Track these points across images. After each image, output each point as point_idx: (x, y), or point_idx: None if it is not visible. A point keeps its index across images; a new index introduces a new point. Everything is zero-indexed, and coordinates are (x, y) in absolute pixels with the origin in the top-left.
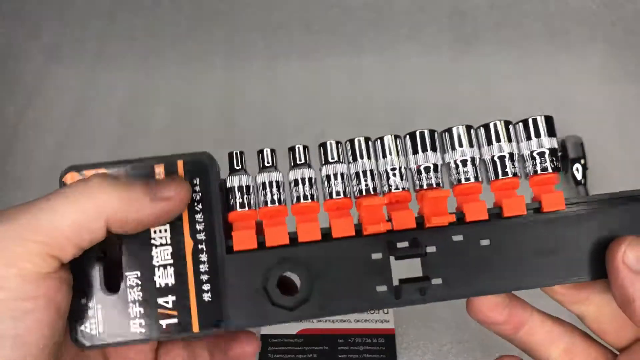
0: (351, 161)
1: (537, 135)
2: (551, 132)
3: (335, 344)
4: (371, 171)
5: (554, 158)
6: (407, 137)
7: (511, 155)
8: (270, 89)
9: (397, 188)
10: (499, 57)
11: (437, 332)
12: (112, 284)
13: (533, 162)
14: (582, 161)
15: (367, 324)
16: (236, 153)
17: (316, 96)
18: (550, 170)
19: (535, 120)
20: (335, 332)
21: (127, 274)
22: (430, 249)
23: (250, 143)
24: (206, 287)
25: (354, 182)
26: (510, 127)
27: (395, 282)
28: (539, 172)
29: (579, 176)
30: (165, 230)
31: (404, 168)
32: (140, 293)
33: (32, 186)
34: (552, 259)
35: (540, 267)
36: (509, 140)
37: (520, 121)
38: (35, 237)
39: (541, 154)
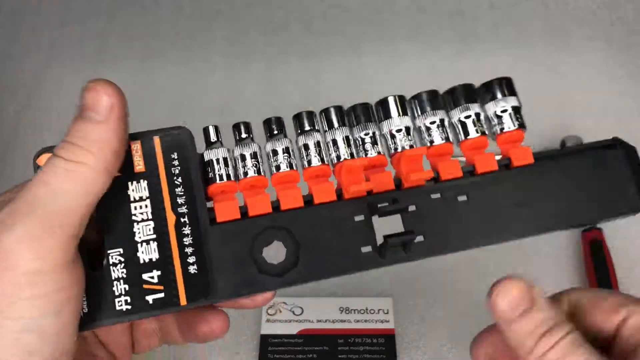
0: (326, 129)
1: (502, 95)
2: (511, 92)
3: (335, 344)
4: (347, 137)
5: (518, 115)
6: (379, 104)
7: (477, 115)
8: (270, 89)
9: (372, 153)
10: (499, 56)
11: (436, 332)
12: (95, 263)
13: (499, 121)
14: None
15: (367, 324)
16: (212, 127)
17: (316, 96)
18: (515, 127)
19: (495, 82)
20: (335, 332)
21: (109, 251)
22: (411, 208)
23: None
24: (191, 259)
25: (331, 150)
26: (475, 90)
27: (380, 241)
28: (505, 129)
29: None
30: (147, 206)
31: (378, 134)
32: (124, 270)
33: None
34: (527, 211)
35: (516, 219)
36: (474, 101)
37: (482, 85)
38: (61, 223)
39: (504, 111)
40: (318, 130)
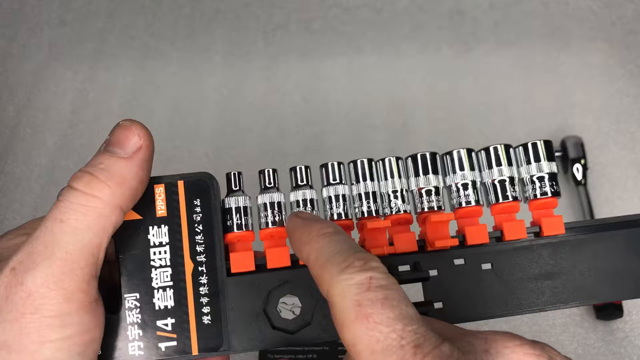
0: (353, 182)
1: (537, 159)
2: (550, 157)
3: (335, 344)
4: (373, 193)
5: (553, 182)
6: (409, 159)
7: (511, 179)
8: (270, 89)
9: (398, 211)
10: (499, 56)
11: None
12: (113, 306)
13: (533, 187)
14: (582, 161)
15: None
16: (234, 174)
17: (316, 96)
18: (549, 194)
19: (535, 145)
20: None
21: (126, 295)
22: (432, 272)
23: (250, 143)
24: (206, 309)
25: (357, 204)
26: (511, 150)
27: None
28: (538, 196)
29: (579, 176)
30: (165, 252)
31: (406, 190)
32: (140, 315)
33: (31, 186)
34: (553, 283)
35: (541, 291)
36: (509, 164)
37: (520, 145)
38: (80, 264)
39: (540, 179)
40: (344, 184)
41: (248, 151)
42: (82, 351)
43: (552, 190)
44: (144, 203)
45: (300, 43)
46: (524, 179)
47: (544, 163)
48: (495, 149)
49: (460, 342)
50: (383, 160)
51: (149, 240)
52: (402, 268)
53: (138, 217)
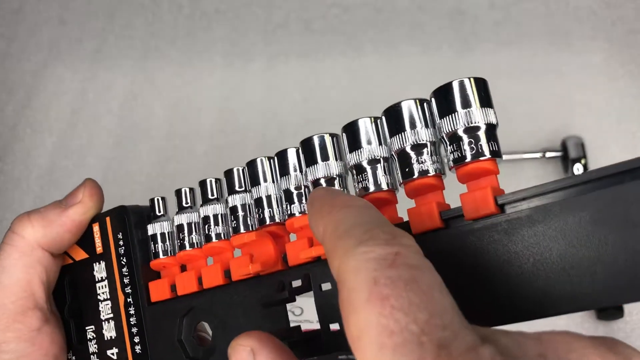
0: (250, 188)
1: (466, 105)
2: (485, 101)
3: None
4: (267, 197)
5: (491, 138)
6: (276, 157)
7: (430, 145)
8: (269, 89)
9: (301, 212)
10: (499, 56)
11: None
12: (82, 338)
13: (456, 146)
14: (583, 161)
15: None
16: (157, 199)
17: (316, 95)
18: (487, 155)
19: (462, 84)
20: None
21: (86, 327)
22: (326, 286)
23: (249, 142)
24: (137, 339)
25: (254, 212)
26: (424, 105)
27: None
28: (468, 158)
29: None
30: (105, 286)
31: (305, 186)
32: (96, 345)
33: (30, 186)
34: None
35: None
36: (426, 125)
37: (434, 92)
38: (11, 299)
39: (472, 131)
40: (245, 190)
41: (248, 151)
42: None
43: (491, 149)
44: (88, 242)
45: (300, 43)
46: (443, 137)
47: (476, 110)
48: (402, 107)
49: (505, 343)
50: (280, 153)
51: (94, 276)
52: (296, 283)
53: (86, 255)
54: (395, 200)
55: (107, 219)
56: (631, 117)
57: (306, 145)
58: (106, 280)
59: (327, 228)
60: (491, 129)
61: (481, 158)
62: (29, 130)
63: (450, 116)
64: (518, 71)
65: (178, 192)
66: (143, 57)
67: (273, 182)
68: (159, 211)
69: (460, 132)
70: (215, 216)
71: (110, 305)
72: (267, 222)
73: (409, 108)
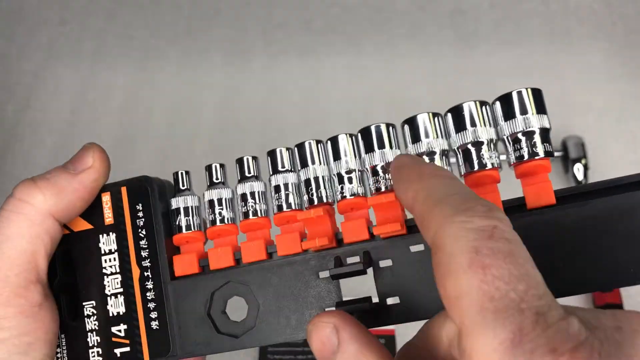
0: (300, 168)
1: (523, 112)
2: (540, 109)
3: None
4: (322, 178)
5: (545, 142)
6: (359, 134)
7: (490, 142)
8: (269, 88)
9: (353, 194)
10: (500, 56)
11: None
12: (76, 313)
13: (518, 146)
14: (583, 161)
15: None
16: (181, 173)
17: (316, 95)
18: (541, 155)
19: (520, 94)
20: None
21: (84, 303)
22: (385, 262)
23: (249, 142)
24: (154, 314)
25: (303, 192)
26: (486, 108)
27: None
28: (526, 157)
29: (580, 176)
30: (115, 259)
31: (359, 170)
32: (97, 322)
33: None
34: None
35: None
36: (485, 124)
37: (498, 99)
38: (13, 271)
39: (527, 134)
40: (292, 170)
41: (248, 151)
42: (22, 351)
43: (545, 150)
44: (94, 212)
45: (300, 43)
46: (506, 138)
47: (532, 116)
48: (465, 107)
49: (584, 316)
50: (333, 138)
51: (100, 248)
52: (351, 260)
53: (90, 226)
54: None
55: (123, 189)
56: (631, 117)
57: (365, 133)
58: (116, 253)
59: (419, 194)
60: (545, 132)
61: (536, 157)
62: (29, 130)
63: (511, 121)
64: (518, 71)
65: (209, 168)
66: (143, 57)
67: (321, 165)
68: (183, 185)
69: (520, 135)
70: (257, 193)
71: (119, 279)
72: (316, 202)
73: (469, 108)
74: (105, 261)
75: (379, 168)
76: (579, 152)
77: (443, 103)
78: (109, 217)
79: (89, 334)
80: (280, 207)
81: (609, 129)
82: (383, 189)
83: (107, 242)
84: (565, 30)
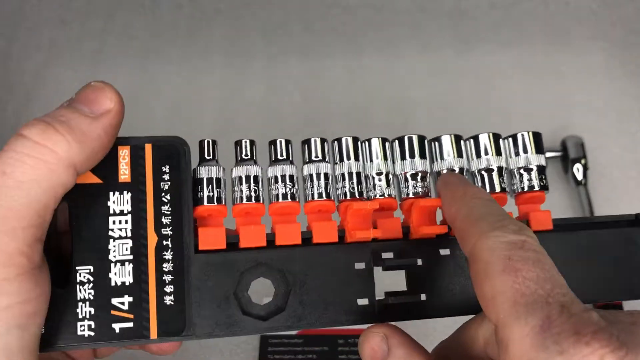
0: (337, 162)
1: (525, 151)
2: (539, 149)
3: (336, 344)
4: (357, 173)
5: (542, 176)
6: (396, 141)
7: (500, 169)
8: (269, 89)
9: (382, 194)
10: (499, 56)
11: (437, 333)
12: (61, 279)
13: (520, 179)
14: (583, 161)
15: (367, 324)
16: (207, 141)
17: (316, 96)
18: (537, 188)
19: (523, 137)
20: (335, 332)
21: (78, 268)
22: (417, 262)
23: None
24: (169, 289)
25: (339, 184)
26: (500, 141)
27: (379, 296)
28: (526, 189)
29: (579, 176)
30: (127, 222)
31: (391, 174)
32: (92, 291)
33: None
34: None
35: None
36: (498, 154)
37: (509, 136)
38: (23, 224)
39: (529, 171)
40: (328, 161)
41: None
42: (21, 324)
43: (541, 184)
44: (106, 166)
45: (300, 43)
46: (512, 171)
47: (532, 155)
48: (484, 138)
49: (603, 313)
50: (369, 140)
51: (108, 207)
52: (385, 255)
53: (98, 180)
54: None
55: (148, 146)
56: (631, 117)
57: (410, 142)
58: (129, 215)
59: (460, 211)
60: (542, 170)
61: (534, 189)
62: None
63: (517, 156)
64: (518, 71)
65: (239, 143)
66: (143, 57)
67: (358, 161)
68: (209, 155)
69: (522, 170)
70: (290, 177)
71: (130, 245)
72: (349, 197)
73: (488, 138)
74: (114, 222)
75: (409, 175)
76: (578, 152)
77: (443, 103)
78: (124, 174)
79: (80, 303)
80: (313, 195)
81: (608, 129)
82: (419, 193)
83: (119, 202)
84: (565, 30)
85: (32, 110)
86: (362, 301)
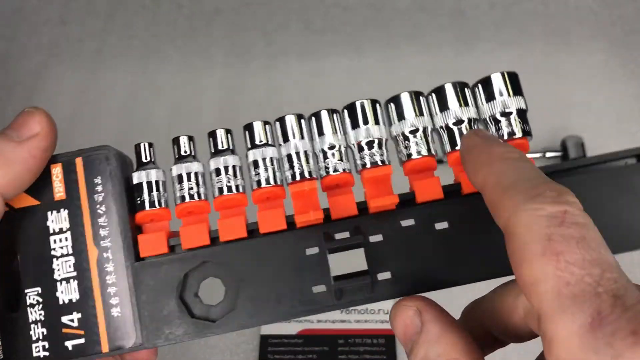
0: (282, 143)
1: (501, 94)
2: (516, 90)
3: (335, 344)
4: (305, 152)
5: (523, 120)
6: (345, 110)
7: (470, 120)
8: (270, 89)
9: (335, 170)
10: (499, 56)
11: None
12: (15, 303)
13: (498, 126)
14: None
15: (368, 324)
16: (144, 145)
17: (316, 96)
18: (519, 134)
19: (498, 77)
20: (335, 332)
21: (26, 291)
22: (376, 237)
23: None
24: (114, 300)
25: (286, 167)
26: (467, 90)
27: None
28: (505, 137)
29: None
30: (66, 239)
31: (344, 147)
32: (42, 312)
33: None
34: None
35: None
36: (466, 104)
37: (479, 81)
38: None
39: (506, 116)
40: (272, 145)
41: None
42: None
43: (523, 128)
44: (41, 186)
45: (300, 43)
46: (487, 119)
47: (509, 98)
48: (448, 87)
49: None
50: (316, 114)
51: (47, 227)
52: (339, 236)
53: (35, 202)
54: (435, 167)
55: (78, 160)
56: (631, 117)
57: (351, 109)
58: (68, 232)
59: (488, 179)
60: (522, 113)
61: (515, 137)
62: None
63: (491, 102)
64: (518, 71)
65: (176, 140)
66: (143, 57)
67: (303, 139)
68: (146, 158)
69: (498, 116)
70: (233, 167)
71: (72, 261)
72: (298, 178)
73: (451, 88)
74: (55, 242)
75: (364, 144)
76: (578, 152)
77: None
78: (59, 192)
79: (33, 325)
80: (259, 183)
81: (608, 129)
82: (369, 165)
83: (58, 220)
84: (565, 30)
85: None
86: (318, 288)
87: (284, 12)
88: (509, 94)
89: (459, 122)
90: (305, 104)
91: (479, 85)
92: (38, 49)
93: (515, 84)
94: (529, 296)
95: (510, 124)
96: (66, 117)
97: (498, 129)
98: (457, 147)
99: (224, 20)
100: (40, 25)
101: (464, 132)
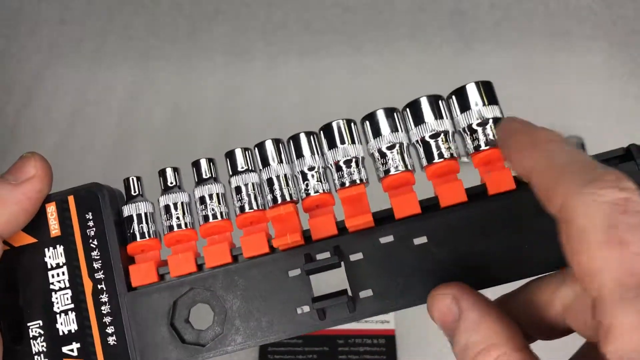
0: (262, 168)
1: (477, 104)
2: (491, 100)
3: (335, 344)
4: (285, 176)
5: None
6: (321, 131)
7: (446, 133)
8: (270, 88)
9: (316, 191)
10: (499, 56)
11: (438, 333)
12: (18, 336)
13: (474, 137)
14: None
15: (368, 325)
16: (132, 178)
17: (316, 95)
18: (495, 143)
19: (473, 87)
20: (335, 332)
21: (29, 324)
22: (356, 256)
23: (249, 142)
24: (110, 329)
25: (266, 191)
26: (441, 102)
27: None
28: (482, 147)
29: None
30: (63, 273)
31: (322, 167)
32: (44, 343)
33: None
34: (508, 253)
35: (493, 263)
36: (441, 117)
37: (453, 93)
38: None
39: (481, 125)
40: (253, 170)
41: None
42: None
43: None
44: (38, 225)
45: (300, 43)
46: (463, 130)
47: (484, 107)
48: (421, 101)
49: None
50: (294, 137)
51: (45, 263)
52: (320, 256)
53: (33, 240)
54: (413, 181)
55: (70, 198)
56: (631, 117)
57: (327, 130)
58: (64, 267)
59: (538, 164)
60: (498, 122)
61: (493, 146)
62: (29, 130)
63: (466, 112)
64: (518, 71)
65: (162, 172)
66: (143, 57)
67: (283, 163)
68: (135, 191)
69: (475, 126)
70: (216, 195)
71: (69, 294)
72: (280, 201)
73: (430, 102)
74: (53, 276)
75: (342, 163)
76: None
77: None
78: (55, 229)
79: (36, 357)
80: (242, 208)
81: (608, 129)
82: (348, 184)
83: (54, 256)
84: (565, 30)
85: (32, 110)
86: (302, 309)
87: (284, 13)
88: (484, 103)
89: (435, 135)
90: (305, 104)
91: (453, 97)
92: (38, 48)
93: (490, 93)
94: (588, 284)
95: (486, 134)
96: (65, 118)
97: (474, 139)
98: (434, 161)
99: (224, 20)
100: (40, 25)
101: (441, 145)
